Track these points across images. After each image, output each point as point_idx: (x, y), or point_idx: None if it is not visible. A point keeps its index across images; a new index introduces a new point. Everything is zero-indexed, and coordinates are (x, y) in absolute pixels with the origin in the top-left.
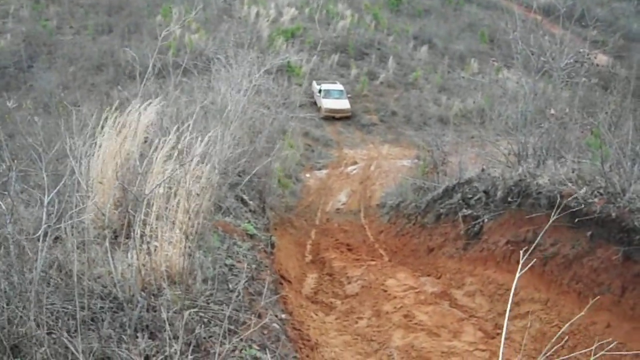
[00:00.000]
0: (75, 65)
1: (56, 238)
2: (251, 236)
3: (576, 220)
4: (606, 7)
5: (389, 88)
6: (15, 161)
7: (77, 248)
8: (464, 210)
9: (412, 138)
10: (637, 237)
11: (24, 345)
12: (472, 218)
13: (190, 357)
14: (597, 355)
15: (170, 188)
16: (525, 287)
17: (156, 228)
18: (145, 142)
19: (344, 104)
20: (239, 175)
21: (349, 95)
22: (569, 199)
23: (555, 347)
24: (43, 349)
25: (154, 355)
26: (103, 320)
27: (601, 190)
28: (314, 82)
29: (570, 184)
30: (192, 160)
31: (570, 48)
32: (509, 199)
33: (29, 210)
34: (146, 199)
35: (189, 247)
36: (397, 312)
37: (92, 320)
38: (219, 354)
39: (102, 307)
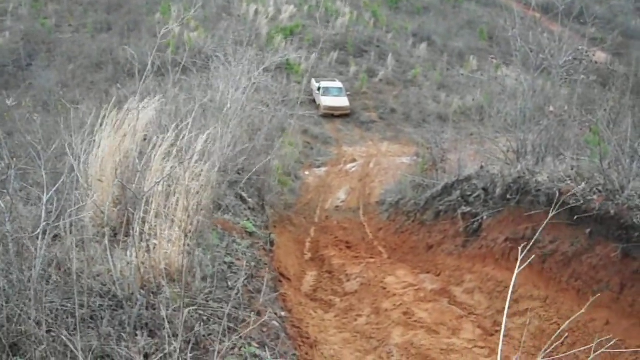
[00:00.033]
0: (74, 63)
1: (55, 236)
2: (250, 234)
3: (575, 217)
4: (605, 4)
5: (388, 85)
6: (15, 159)
7: (77, 246)
8: (463, 207)
9: (411, 135)
10: (636, 234)
11: (23, 343)
12: (471, 215)
13: (189, 355)
14: (597, 353)
15: (169, 186)
16: (524, 284)
17: (155, 226)
18: (145, 140)
19: (343, 101)
20: (238, 173)
21: (348, 93)
22: (568, 196)
23: (555, 345)
24: (42, 347)
25: (153, 353)
26: (102, 318)
27: (600, 188)
28: (313, 80)
29: (569, 181)
30: (191, 158)
31: (569, 45)
32: (508, 196)
33: (28, 209)
34: (145, 196)
35: (188, 244)
36: (396, 310)
37: (92, 318)
38: (219, 352)
39: (101, 305)
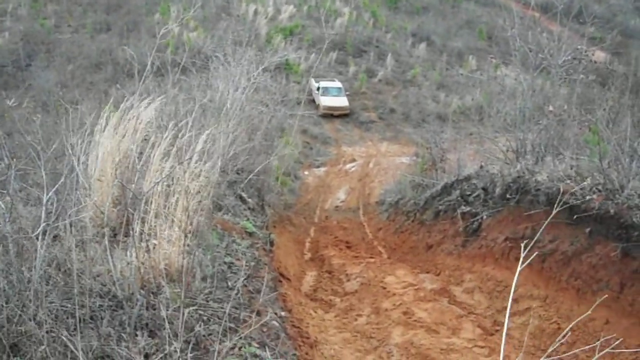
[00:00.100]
0: (73, 63)
1: (55, 236)
2: (250, 234)
3: (575, 216)
4: (604, 3)
5: (388, 85)
6: (14, 159)
7: (76, 246)
8: (463, 207)
9: (410, 135)
10: (636, 233)
11: (24, 343)
12: (470, 215)
13: (189, 355)
14: (601, 354)
15: (169, 186)
16: (524, 283)
17: (155, 226)
18: (145, 140)
19: (342, 101)
20: (238, 173)
21: (347, 93)
22: (568, 195)
23: (553, 344)
24: (42, 347)
25: (153, 354)
26: (102, 319)
27: (599, 187)
28: (312, 80)
29: (568, 181)
30: (190, 158)
31: (568, 45)
32: (508, 196)
33: (27, 209)
34: (145, 197)
35: (188, 245)
36: (396, 309)
37: (92, 318)
38: (219, 352)
39: (101, 306)
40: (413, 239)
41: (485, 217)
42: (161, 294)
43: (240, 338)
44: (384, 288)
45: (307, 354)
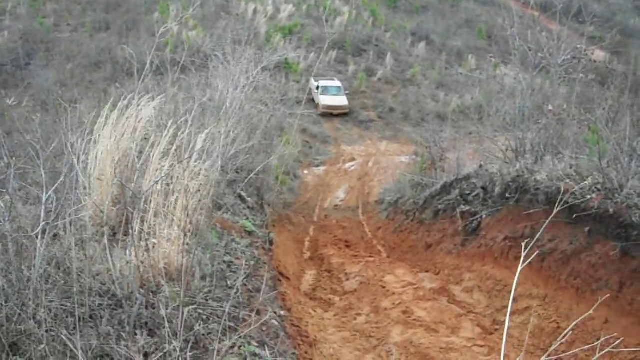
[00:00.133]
0: (72, 62)
1: (54, 235)
2: (249, 233)
3: (574, 216)
4: (603, 3)
5: (387, 84)
6: (14, 158)
7: (76, 245)
8: (462, 206)
9: (410, 134)
10: (635, 232)
11: (23, 342)
12: (470, 214)
13: (189, 354)
14: (601, 354)
15: (168, 185)
16: (523, 282)
17: (154, 225)
18: (144, 139)
19: (341, 100)
20: (237, 172)
21: (346, 92)
22: (567, 194)
23: (554, 343)
24: (42, 346)
25: (153, 353)
26: (102, 318)
27: (599, 186)
28: (312, 79)
29: (568, 180)
30: (190, 157)
31: (567, 44)
32: (507, 195)
33: (27, 208)
34: (144, 195)
35: (188, 244)
36: (395, 308)
37: (91, 317)
38: (218, 351)
39: (100, 305)
40: (412, 238)
41: (484, 216)
42: (161, 293)
43: (240, 337)
44: (383, 287)
45: (306, 353)
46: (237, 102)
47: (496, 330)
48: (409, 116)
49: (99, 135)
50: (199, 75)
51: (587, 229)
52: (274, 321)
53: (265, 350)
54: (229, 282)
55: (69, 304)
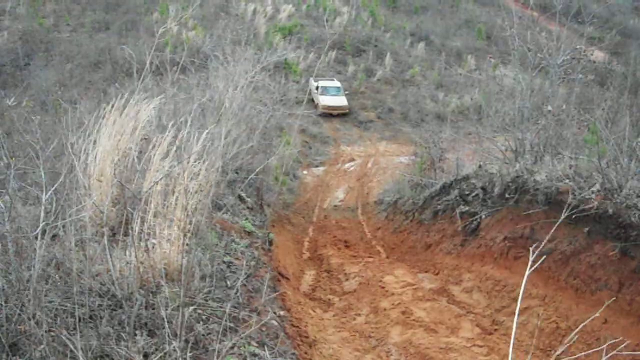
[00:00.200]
0: (72, 62)
1: (54, 236)
2: (249, 233)
3: (573, 216)
4: (602, 3)
5: (386, 85)
6: (13, 159)
7: (75, 246)
8: (462, 206)
9: (409, 135)
10: (634, 232)
11: (23, 343)
12: (469, 214)
13: (189, 354)
14: (608, 356)
15: (168, 185)
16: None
17: (154, 225)
18: (144, 139)
19: (341, 100)
20: (237, 173)
21: (346, 92)
22: (566, 195)
23: (559, 347)
24: (42, 346)
25: (152, 353)
26: (102, 318)
27: (598, 186)
28: (311, 79)
29: (567, 180)
30: (189, 157)
31: (566, 44)
32: (507, 195)
33: (27, 208)
34: (144, 196)
35: (187, 244)
36: (395, 309)
37: (91, 317)
38: (218, 351)
39: (100, 305)
40: (412, 239)
41: (484, 216)
42: (160, 294)
43: (240, 337)
44: (383, 287)
45: (305, 353)
46: (236, 102)
47: (495, 330)
48: (408, 116)
49: (99, 135)
50: (198, 75)
51: (586, 229)
52: (273, 321)
53: (265, 350)
54: (228, 283)
55: (68, 304)
